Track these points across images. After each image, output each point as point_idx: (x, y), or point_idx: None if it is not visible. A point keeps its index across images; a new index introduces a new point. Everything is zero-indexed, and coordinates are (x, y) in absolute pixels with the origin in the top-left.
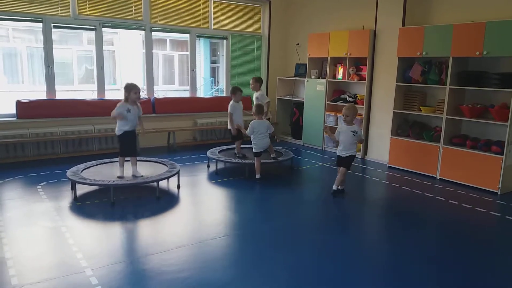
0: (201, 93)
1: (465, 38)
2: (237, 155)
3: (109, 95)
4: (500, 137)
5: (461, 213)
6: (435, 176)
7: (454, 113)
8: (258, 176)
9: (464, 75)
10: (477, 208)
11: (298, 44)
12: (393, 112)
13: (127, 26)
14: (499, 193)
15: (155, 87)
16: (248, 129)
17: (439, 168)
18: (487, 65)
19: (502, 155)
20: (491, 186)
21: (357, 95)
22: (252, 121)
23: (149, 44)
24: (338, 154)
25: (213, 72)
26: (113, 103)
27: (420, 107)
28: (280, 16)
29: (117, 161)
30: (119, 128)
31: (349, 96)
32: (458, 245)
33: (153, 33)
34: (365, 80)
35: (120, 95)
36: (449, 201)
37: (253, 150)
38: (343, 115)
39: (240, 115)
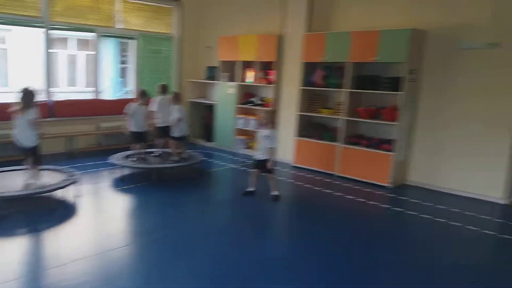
0: (109, 95)
1: (362, 45)
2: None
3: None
4: (391, 136)
5: (355, 206)
6: (334, 173)
7: (351, 115)
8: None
9: (361, 79)
10: (369, 202)
11: (209, 46)
12: (298, 114)
13: (22, 23)
14: (389, 187)
15: (56, 89)
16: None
17: (339, 165)
18: (380, 70)
19: (393, 152)
20: (384, 180)
21: (265, 98)
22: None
23: (48, 43)
24: (254, 157)
25: (123, 73)
26: (5, 106)
27: (322, 110)
28: (192, 18)
29: (7, 170)
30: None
31: (258, 100)
32: (350, 236)
33: (54, 31)
34: (272, 84)
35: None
36: (346, 196)
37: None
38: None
39: (141, 119)
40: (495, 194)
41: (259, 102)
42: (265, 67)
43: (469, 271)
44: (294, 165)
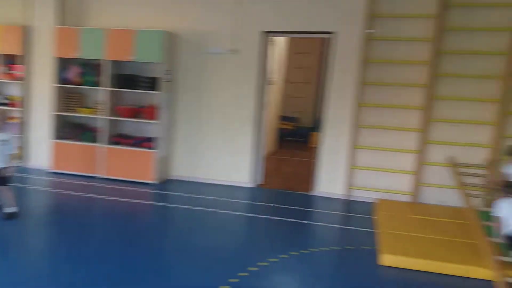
0: None
1: (118, 43)
2: None
3: None
4: (153, 134)
5: (119, 207)
6: (98, 176)
7: (113, 114)
8: None
9: (120, 78)
10: (134, 200)
11: None
12: (53, 114)
13: None
14: (154, 183)
15: None
16: None
17: (102, 167)
18: (139, 69)
19: (155, 149)
20: (148, 178)
21: (10, 97)
22: None
23: None
24: None
25: None
26: None
27: (80, 109)
28: None
29: None
30: None
31: (1, 98)
32: (117, 238)
33: None
34: (20, 80)
35: None
36: (109, 198)
37: None
38: None
39: None
40: (244, 179)
41: (3, 101)
42: (10, 61)
43: (220, 249)
44: (52, 171)
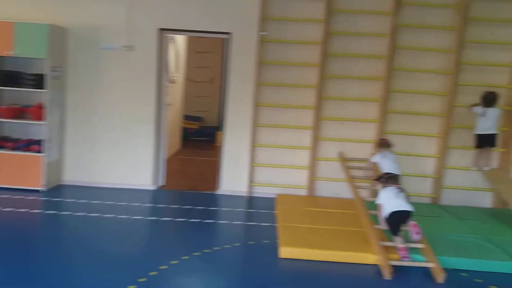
0: None
1: None
2: None
3: None
4: (40, 136)
5: (5, 218)
6: None
7: None
8: None
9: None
10: (19, 209)
11: None
12: None
13: None
14: (42, 190)
15: None
16: None
17: None
18: (23, 66)
19: (43, 152)
20: (36, 184)
21: None
22: None
23: None
24: None
25: None
26: None
27: None
28: None
29: None
30: None
31: None
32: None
33: None
34: None
35: None
36: None
37: None
38: None
39: None
40: (145, 181)
41: None
42: None
43: (117, 256)
44: None
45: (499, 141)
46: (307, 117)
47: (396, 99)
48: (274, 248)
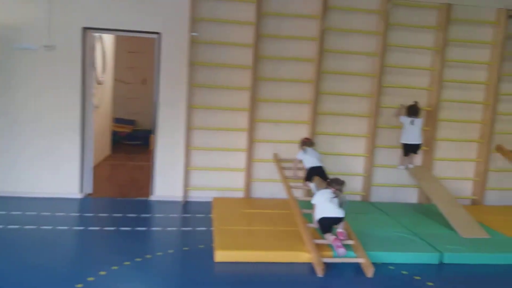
0: None
1: None
2: None
3: None
4: None
5: None
6: None
7: None
8: None
9: None
10: None
11: None
12: None
13: None
14: None
15: None
16: None
17: None
18: None
19: None
20: None
21: None
22: None
23: None
24: None
25: None
26: None
27: None
28: None
29: None
30: None
31: None
32: None
33: None
34: None
35: None
36: None
37: None
38: None
39: None
40: (72, 190)
41: None
42: None
43: (37, 270)
44: None
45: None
46: (242, 119)
47: (326, 100)
48: (209, 253)
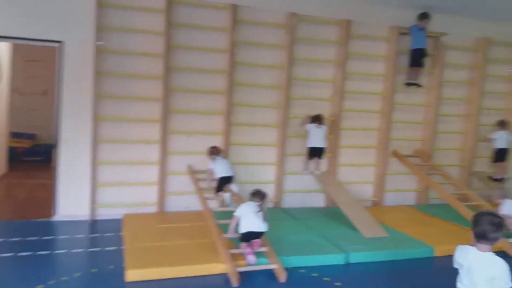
0: None
1: None
2: None
3: None
4: None
5: None
6: None
7: None
8: None
9: None
10: None
11: None
12: None
13: None
14: None
15: None
16: None
17: None
18: None
19: None
20: None
21: None
22: None
23: None
24: None
25: None
26: None
27: None
28: None
29: None
30: None
31: None
32: None
33: None
34: None
35: None
36: None
37: None
38: None
39: None
40: None
41: None
42: None
43: None
44: None
45: (326, 147)
46: (154, 131)
47: (239, 111)
48: (120, 273)
